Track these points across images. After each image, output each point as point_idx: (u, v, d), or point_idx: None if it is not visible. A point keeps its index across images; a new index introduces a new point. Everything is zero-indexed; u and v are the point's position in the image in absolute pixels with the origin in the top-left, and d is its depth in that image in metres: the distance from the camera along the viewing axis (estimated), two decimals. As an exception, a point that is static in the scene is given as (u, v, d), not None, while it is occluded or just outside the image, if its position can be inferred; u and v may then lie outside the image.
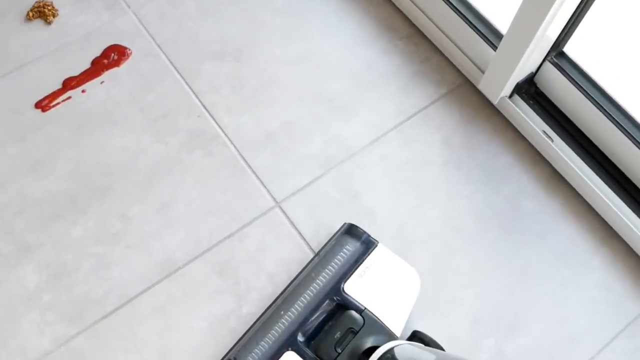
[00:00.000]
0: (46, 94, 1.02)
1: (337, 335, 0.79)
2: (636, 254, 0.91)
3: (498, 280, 0.90)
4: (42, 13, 1.08)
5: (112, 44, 1.06)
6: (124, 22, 1.09)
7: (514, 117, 0.98)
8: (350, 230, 0.88)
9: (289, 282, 0.86)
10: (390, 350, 0.74)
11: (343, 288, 0.83)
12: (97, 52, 1.06)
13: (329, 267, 0.84)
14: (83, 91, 1.03)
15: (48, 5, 1.08)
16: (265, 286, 0.88)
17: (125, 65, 1.05)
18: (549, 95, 0.96)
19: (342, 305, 0.82)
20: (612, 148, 0.91)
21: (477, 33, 0.97)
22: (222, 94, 1.03)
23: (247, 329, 0.84)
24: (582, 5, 0.82)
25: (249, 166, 0.97)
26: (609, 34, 0.92)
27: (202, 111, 1.01)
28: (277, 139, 0.99)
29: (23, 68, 1.04)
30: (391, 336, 0.79)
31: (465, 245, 0.92)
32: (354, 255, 0.85)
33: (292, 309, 0.81)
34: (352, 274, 0.84)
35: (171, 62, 1.05)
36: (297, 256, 0.90)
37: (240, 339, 0.82)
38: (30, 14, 1.08)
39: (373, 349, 0.75)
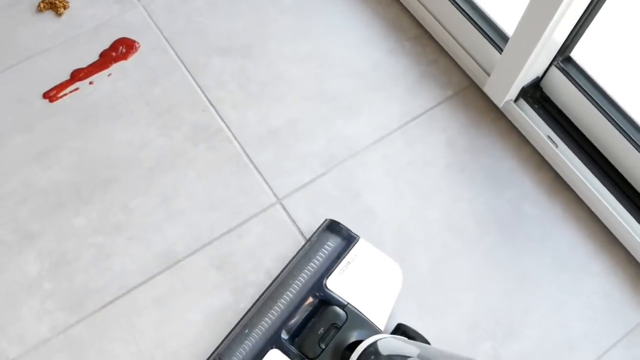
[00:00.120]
0: (54, 84, 1.03)
1: (321, 331, 0.79)
2: (637, 261, 0.90)
3: (497, 283, 0.89)
4: (53, 5, 1.09)
5: (120, 37, 1.07)
6: (133, 15, 1.10)
7: (519, 121, 0.98)
8: (331, 226, 0.88)
9: (271, 280, 0.86)
10: (374, 344, 0.74)
11: (325, 284, 0.83)
12: (106, 45, 1.07)
13: (311, 263, 0.84)
14: (90, 83, 1.03)
15: (59, -3, 1.10)
16: (264, 282, 0.88)
17: (132, 59, 1.06)
18: (554, 100, 0.96)
19: (324, 301, 0.82)
20: (616, 155, 0.91)
21: (483, 35, 0.97)
22: (228, 90, 1.03)
23: (231, 327, 0.84)
24: (589, 10, 0.82)
25: (252, 162, 0.97)
26: (617, 40, 0.91)
27: (207, 106, 1.02)
28: (281, 136, 1.00)
29: (32, 59, 1.05)
30: (374, 330, 0.79)
31: (465, 248, 0.92)
32: (335, 251, 0.85)
33: (275, 307, 0.82)
34: (334, 269, 0.84)
35: (178, 57, 1.06)
36: (297, 253, 0.91)
37: (225, 338, 0.82)
38: (42, 5, 1.09)
39: (357, 343, 0.76)
